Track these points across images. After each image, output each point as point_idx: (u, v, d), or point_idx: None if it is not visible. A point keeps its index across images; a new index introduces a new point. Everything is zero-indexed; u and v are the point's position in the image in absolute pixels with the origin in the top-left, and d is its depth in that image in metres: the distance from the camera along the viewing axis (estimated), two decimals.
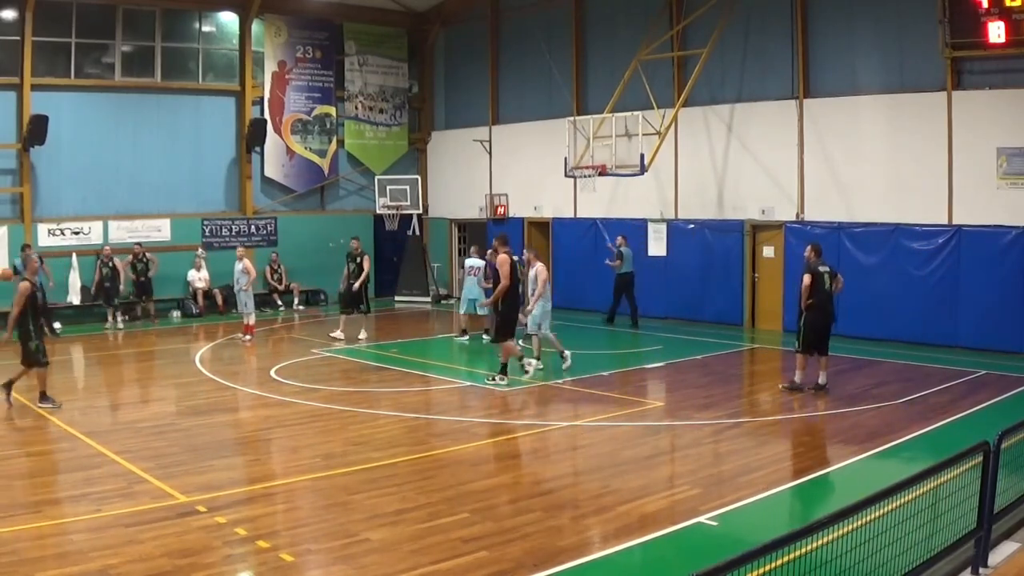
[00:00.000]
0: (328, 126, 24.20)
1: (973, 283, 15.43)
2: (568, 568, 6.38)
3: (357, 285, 17.35)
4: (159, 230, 21.56)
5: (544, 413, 11.79)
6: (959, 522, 5.82)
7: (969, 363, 14.15)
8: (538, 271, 14.09)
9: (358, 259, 17.56)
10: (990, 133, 15.20)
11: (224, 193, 22.84)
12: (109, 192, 20.86)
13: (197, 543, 6.82)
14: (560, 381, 13.34)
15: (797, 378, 12.31)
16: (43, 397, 11.60)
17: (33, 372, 11.66)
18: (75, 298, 19.91)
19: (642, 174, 17.83)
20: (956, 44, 15.21)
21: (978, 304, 15.39)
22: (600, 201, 20.99)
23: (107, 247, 20.02)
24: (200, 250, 21.70)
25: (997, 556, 5.97)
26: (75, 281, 19.90)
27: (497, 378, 13.00)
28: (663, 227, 20.08)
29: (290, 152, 23.59)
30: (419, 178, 24.71)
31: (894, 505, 5.21)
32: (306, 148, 23.87)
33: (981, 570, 5.79)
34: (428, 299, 23.84)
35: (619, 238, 19.37)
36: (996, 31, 14.57)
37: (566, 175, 19.21)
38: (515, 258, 13.34)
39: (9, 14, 19.51)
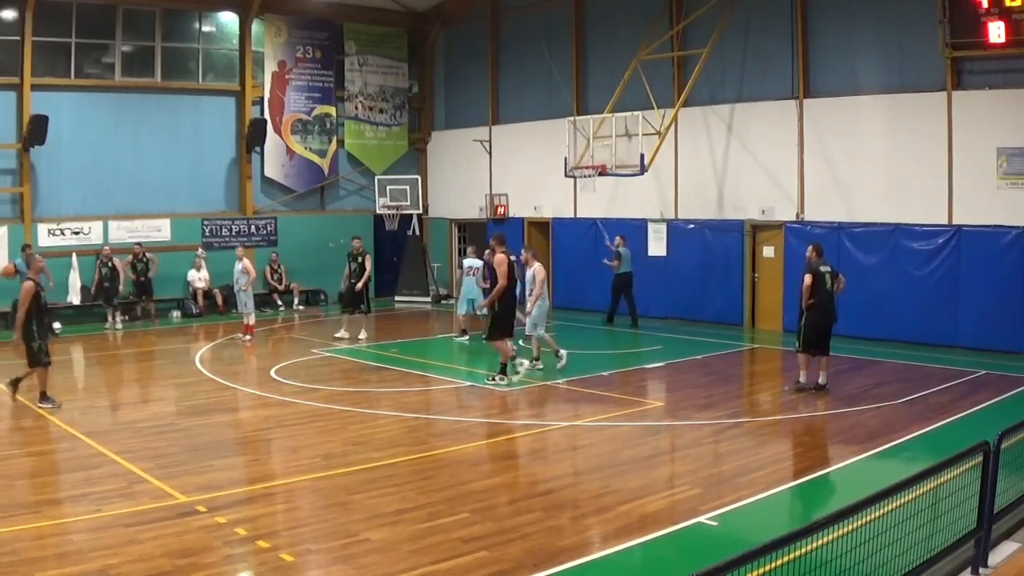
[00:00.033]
0: (328, 126, 24.20)
1: (973, 283, 15.43)
2: (568, 568, 6.38)
3: (360, 285, 17.36)
4: (159, 230, 21.56)
5: (544, 413, 11.79)
6: (959, 522, 5.82)
7: (969, 363, 14.15)
8: (536, 271, 14.07)
9: (360, 259, 17.57)
10: (990, 133, 15.20)
11: (224, 193, 22.84)
12: (109, 192, 20.87)
13: (197, 543, 6.82)
14: (560, 381, 13.34)
15: (802, 378, 12.29)
16: (43, 397, 11.61)
17: (36, 371, 11.67)
18: (75, 298, 19.91)
19: (642, 174, 17.82)
20: (956, 44, 15.21)
21: (978, 304, 15.39)
22: (600, 201, 20.99)
23: (107, 247, 20.03)
24: (200, 250, 21.70)
25: (997, 556, 5.98)
26: (75, 281, 19.90)
27: (497, 378, 13.00)
28: (663, 227, 20.08)
29: (290, 152, 23.59)
30: (419, 178, 24.72)
31: (894, 505, 5.21)
32: (306, 148, 23.87)
33: (981, 570, 5.79)
34: (428, 299, 23.84)
35: (617, 238, 19.37)
36: (996, 31, 14.57)
37: (566, 175, 19.21)
38: (512, 258, 13.33)
39: (9, 14, 19.51)
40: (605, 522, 7.40)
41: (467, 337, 17.07)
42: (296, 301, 22.84)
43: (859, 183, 17.07)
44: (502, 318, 13.01)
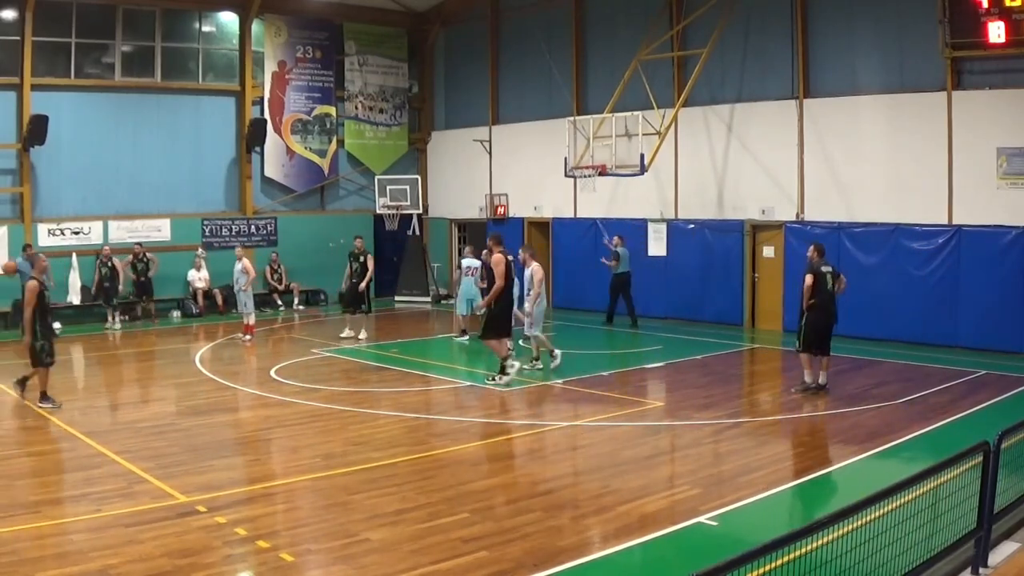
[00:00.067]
0: (328, 126, 24.21)
1: (973, 283, 15.43)
2: (568, 568, 6.38)
3: (363, 285, 17.37)
4: (159, 230, 21.56)
5: (544, 413, 11.79)
6: (959, 522, 5.82)
7: (969, 363, 14.15)
8: (534, 271, 14.06)
9: (362, 258, 17.58)
10: (990, 133, 15.20)
11: (224, 193, 22.84)
12: (109, 192, 20.87)
13: (197, 543, 6.82)
14: (560, 381, 13.34)
15: (807, 378, 12.24)
16: (43, 397, 11.61)
17: (37, 371, 11.67)
18: (75, 298, 19.91)
19: (642, 174, 17.82)
20: (956, 44, 15.21)
21: (978, 304, 15.39)
22: (600, 201, 20.99)
23: (106, 247, 20.03)
24: (200, 250, 21.71)
25: (997, 556, 5.98)
26: (75, 281, 19.90)
27: (497, 378, 12.99)
28: (663, 227, 20.08)
29: (290, 152, 23.59)
30: (419, 178, 24.71)
31: (894, 505, 5.21)
32: (306, 148, 23.87)
33: (981, 570, 5.79)
34: (428, 299, 23.85)
35: (616, 238, 19.38)
36: (996, 31, 14.57)
37: (566, 175, 19.20)
38: (510, 258, 13.32)
39: (9, 14, 19.51)
40: (605, 522, 7.40)
41: (467, 337, 17.07)
42: (296, 301, 22.84)
43: (859, 183, 17.07)
44: (498, 318, 12.99)
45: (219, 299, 21.50)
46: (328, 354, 16.03)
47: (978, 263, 15.35)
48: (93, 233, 20.60)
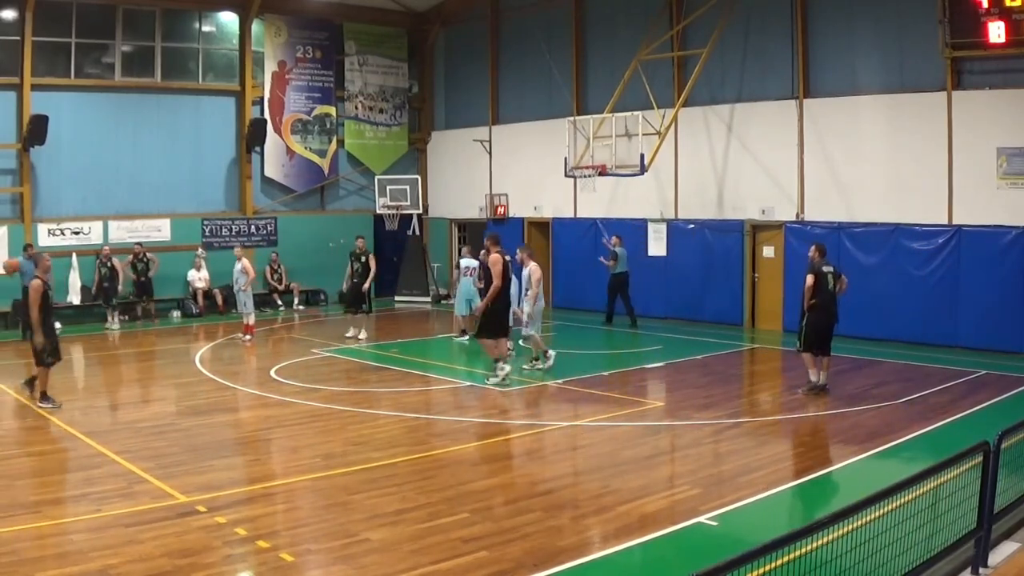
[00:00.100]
0: (328, 126, 24.21)
1: (973, 283, 15.43)
2: (568, 568, 6.38)
3: (367, 284, 17.39)
4: (159, 230, 21.56)
5: (544, 413, 11.79)
6: (959, 522, 5.82)
7: (969, 363, 14.15)
8: (532, 271, 14.06)
9: (363, 258, 17.58)
10: (990, 133, 15.20)
11: (224, 193, 22.84)
12: (109, 192, 20.87)
13: (197, 543, 6.82)
14: (560, 381, 13.34)
15: (812, 377, 12.21)
16: (43, 397, 11.61)
17: (38, 371, 11.67)
18: (75, 298, 19.91)
19: (642, 174, 17.82)
20: (956, 44, 15.21)
21: (978, 304, 15.40)
22: (600, 201, 20.99)
23: (106, 247, 20.03)
24: (200, 250, 21.71)
25: (997, 556, 5.98)
26: (75, 281, 19.90)
27: (497, 373, 12.98)
28: (663, 227, 20.08)
29: (290, 152, 23.59)
30: (419, 178, 24.72)
31: (894, 505, 5.21)
32: (306, 148, 23.87)
33: (981, 570, 5.79)
34: (428, 299, 23.85)
35: (614, 238, 19.39)
36: (996, 31, 14.57)
37: (566, 175, 19.20)
38: (507, 258, 13.31)
39: (9, 14, 19.51)
40: (605, 522, 7.40)
41: (467, 337, 17.06)
42: (296, 301, 22.84)
43: (859, 183, 17.07)
44: (494, 318, 12.99)
45: (219, 299, 21.50)
46: (328, 354, 16.03)
47: (978, 263, 15.35)
48: (93, 233, 20.60)
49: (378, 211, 23.71)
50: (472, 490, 8.26)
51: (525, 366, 14.10)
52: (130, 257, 20.18)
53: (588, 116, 19.29)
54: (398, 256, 24.40)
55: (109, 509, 7.59)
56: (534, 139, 22.67)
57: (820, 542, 4.65)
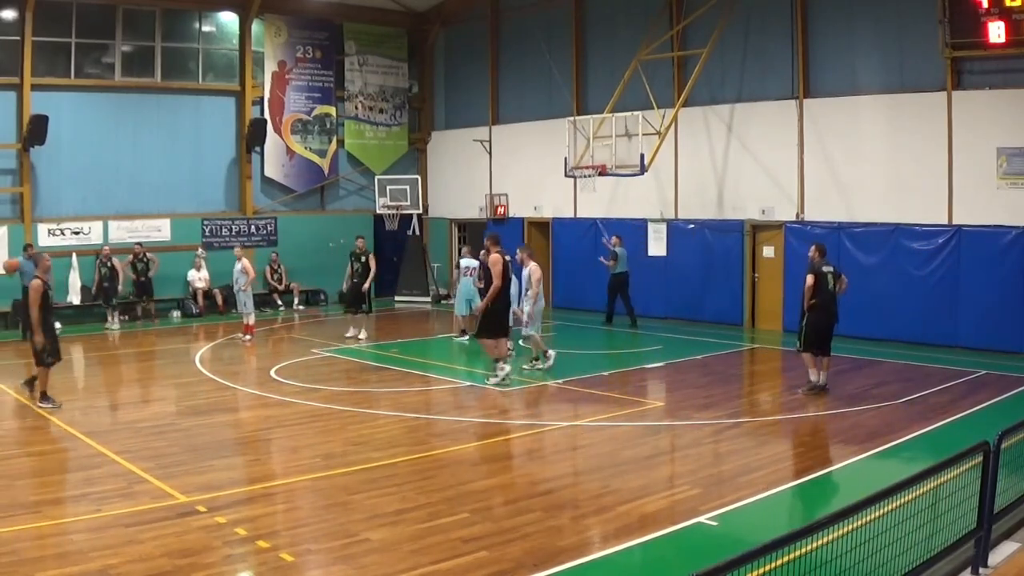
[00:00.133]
0: (328, 126, 24.21)
1: (973, 283, 15.43)
2: (568, 568, 6.38)
3: (368, 285, 17.40)
4: (159, 230, 21.56)
5: (544, 413, 11.79)
6: (959, 522, 5.82)
7: (969, 363, 14.15)
8: (531, 271, 14.06)
9: (364, 258, 17.59)
10: (990, 133, 15.20)
11: (224, 193, 22.84)
12: (109, 192, 20.87)
13: (197, 543, 6.82)
14: (560, 381, 13.34)
15: (812, 377, 12.20)
16: (43, 397, 11.61)
17: (38, 371, 11.67)
18: (75, 298, 19.92)
19: (642, 174, 17.82)
20: (956, 44, 15.21)
21: (978, 304, 15.39)
22: (600, 201, 20.99)
23: (106, 247, 20.04)
24: (200, 250, 21.71)
25: (997, 556, 5.98)
26: (75, 281, 19.90)
27: (498, 373, 12.98)
28: (663, 227, 20.08)
29: (290, 152, 23.59)
30: (419, 178, 24.72)
31: (894, 505, 5.21)
32: (306, 148, 23.87)
33: (981, 570, 5.79)
34: (428, 299, 23.85)
35: (614, 237, 19.39)
36: (996, 31, 14.57)
37: (566, 175, 19.20)
38: (507, 258, 13.31)
39: (9, 14, 19.51)
40: (605, 522, 7.40)
41: (467, 337, 17.05)
42: (296, 301, 22.84)
43: (859, 183, 17.07)
44: (494, 318, 12.99)
45: (219, 299, 21.51)
46: (328, 354, 16.03)
47: (978, 263, 15.35)
48: (93, 233, 20.61)
49: (378, 211, 23.71)
50: (472, 490, 8.26)
51: (525, 366, 14.10)
52: (130, 257, 20.19)
53: (588, 116, 19.29)
54: (398, 256, 24.40)
55: (109, 509, 7.59)
56: (534, 139, 22.66)
57: (820, 542, 4.65)
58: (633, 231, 20.16)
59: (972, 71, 15.58)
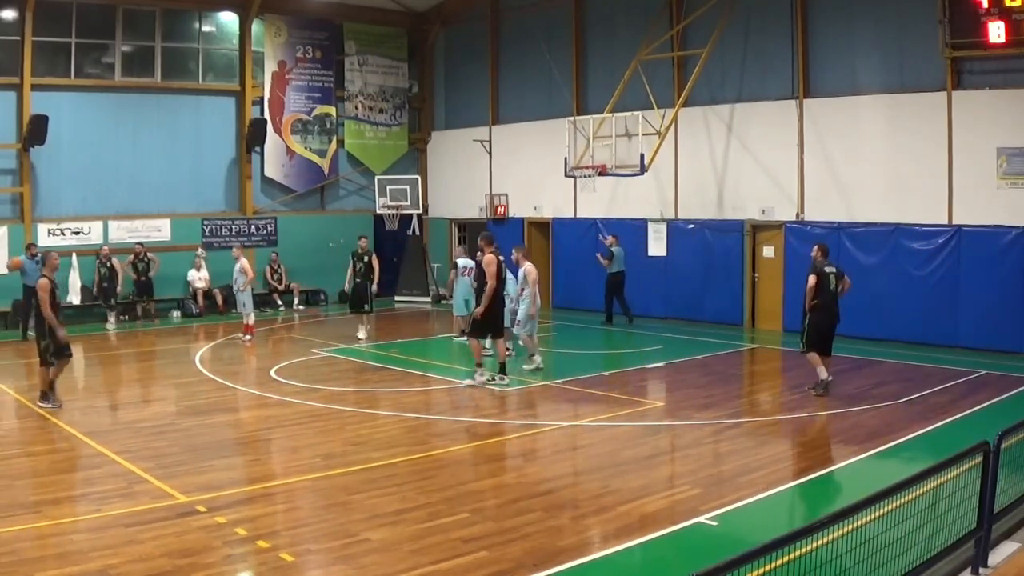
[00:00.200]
0: (328, 126, 24.21)
1: (973, 283, 15.43)
2: (568, 568, 6.38)
3: (375, 285, 17.43)
4: (159, 230, 21.56)
5: (544, 413, 11.78)
6: (959, 522, 5.82)
7: (969, 363, 14.15)
8: (527, 271, 14.05)
9: (366, 258, 17.59)
10: (990, 133, 15.20)
11: (224, 193, 22.84)
12: (109, 192, 20.87)
13: (197, 543, 6.82)
14: (560, 381, 13.34)
15: (822, 375, 12.11)
16: (44, 397, 11.61)
17: (39, 371, 11.66)
18: (75, 298, 19.91)
19: (642, 174, 17.83)
20: (956, 44, 15.21)
21: (978, 304, 15.39)
22: (600, 201, 20.99)
23: (105, 247, 20.04)
24: (200, 250, 21.71)
25: (997, 556, 5.98)
26: (75, 281, 19.89)
27: (497, 378, 12.99)
28: (663, 227, 20.08)
29: (290, 152, 23.59)
30: (419, 178, 24.72)
31: (894, 505, 5.21)
32: (306, 148, 23.87)
33: (981, 570, 5.79)
34: (428, 299, 23.85)
35: (610, 237, 19.38)
36: (996, 31, 14.57)
37: (566, 175, 19.21)
38: (501, 258, 13.30)
39: (9, 14, 19.51)
40: (605, 522, 7.40)
41: (466, 337, 17.03)
42: (296, 301, 22.84)
43: (859, 183, 17.07)
44: (486, 317, 12.98)
45: (219, 299, 21.51)
46: (328, 354, 16.03)
47: (978, 263, 15.35)
48: (93, 233, 20.61)
49: (378, 211, 23.71)
50: (472, 490, 8.26)
51: (525, 366, 14.09)
52: (131, 257, 20.19)
53: (588, 116, 19.29)
54: (398, 256, 24.40)
55: (109, 509, 7.59)
56: (534, 139, 22.66)
57: (820, 542, 4.65)
58: (633, 231, 20.16)
59: (972, 71, 15.58)
